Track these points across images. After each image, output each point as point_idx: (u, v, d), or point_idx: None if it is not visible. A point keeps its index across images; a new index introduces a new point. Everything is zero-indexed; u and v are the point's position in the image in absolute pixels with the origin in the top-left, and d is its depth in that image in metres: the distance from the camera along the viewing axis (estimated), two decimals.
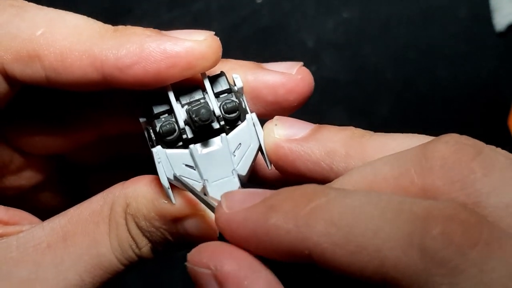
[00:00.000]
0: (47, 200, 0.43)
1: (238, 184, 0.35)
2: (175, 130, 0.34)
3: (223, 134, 0.34)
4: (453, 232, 0.25)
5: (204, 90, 0.35)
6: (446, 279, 0.24)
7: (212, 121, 0.33)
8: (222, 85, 0.35)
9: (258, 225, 0.28)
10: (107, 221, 0.35)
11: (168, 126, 0.34)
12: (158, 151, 0.34)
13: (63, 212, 0.36)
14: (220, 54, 0.34)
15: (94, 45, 0.33)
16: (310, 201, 0.27)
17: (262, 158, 0.36)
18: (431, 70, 0.90)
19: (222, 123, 0.34)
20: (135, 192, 0.35)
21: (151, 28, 0.34)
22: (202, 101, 0.34)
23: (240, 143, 0.35)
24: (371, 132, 0.34)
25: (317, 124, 0.36)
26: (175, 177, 0.34)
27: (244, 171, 0.35)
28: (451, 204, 0.26)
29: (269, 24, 0.91)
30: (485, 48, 0.89)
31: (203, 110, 0.33)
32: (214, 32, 0.34)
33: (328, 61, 0.89)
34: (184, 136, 0.34)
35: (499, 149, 0.29)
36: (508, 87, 0.89)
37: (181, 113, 0.34)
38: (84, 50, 0.33)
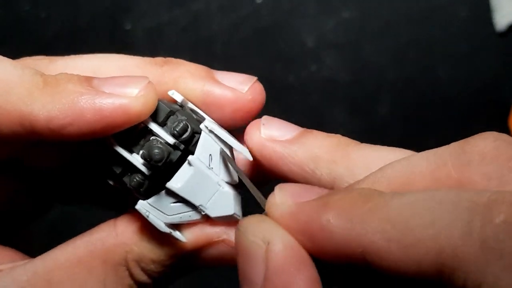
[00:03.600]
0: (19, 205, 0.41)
1: (231, 191, 0.34)
2: (143, 180, 0.33)
3: (190, 156, 0.33)
4: None
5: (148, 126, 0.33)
6: (505, 273, 0.23)
7: (170, 154, 0.32)
8: (163, 112, 0.33)
9: (311, 219, 0.27)
10: (101, 269, 0.34)
11: (136, 179, 0.33)
12: (141, 206, 0.33)
13: (45, 254, 0.35)
14: (156, 102, 0.33)
15: (23, 104, 0.31)
16: (367, 201, 0.27)
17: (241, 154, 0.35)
18: (431, 70, 0.90)
19: (182, 147, 0.33)
20: (134, 238, 0.34)
21: (86, 80, 0.32)
22: (152, 138, 0.33)
23: (210, 154, 0.34)
24: (357, 142, 0.34)
25: (304, 128, 0.35)
26: (169, 223, 0.33)
27: (229, 177, 0.34)
28: None
29: (269, 24, 0.90)
30: (485, 48, 0.89)
31: (155, 151, 0.31)
32: (148, 80, 0.32)
33: (328, 61, 0.89)
34: (156, 180, 0.33)
35: None
36: (508, 87, 0.89)
37: (139, 161, 0.33)
38: (12, 110, 0.31)
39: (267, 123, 0.35)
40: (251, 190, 0.33)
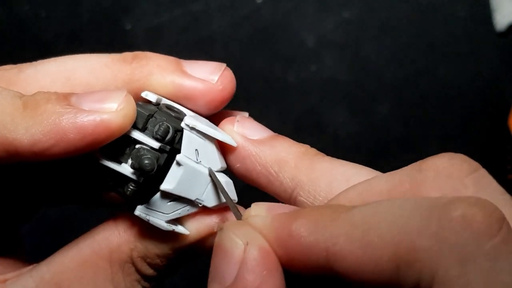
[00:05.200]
0: None
1: (223, 179, 0.35)
2: (137, 188, 0.33)
3: (178, 156, 0.34)
4: (473, 216, 0.24)
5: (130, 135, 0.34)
6: (456, 266, 0.24)
7: (158, 159, 0.33)
8: (141, 117, 0.33)
9: (283, 226, 0.29)
10: (108, 267, 0.34)
11: (130, 188, 0.33)
12: (140, 211, 0.34)
13: (49, 259, 0.35)
14: (136, 113, 0.33)
15: (6, 131, 0.31)
16: (334, 211, 0.28)
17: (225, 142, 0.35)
18: (431, 70, 0.90)
19: (168, 148, 0.33)
20: (137, 235, 0.35)
21: (64, 98, 0.32)
22: (137, 147, 0.33)
23: (196, 149, 0.34)
24: (323, 154, 0.36)
25: (276, 133, 0.37)
26: (170, 220, 0.34)
27: (217, 166, 0.35)
28: (479, 197, 0.26)
29: (269, 24, 0.90)
30: (485, 48, 0.89)
31: (145, 162, 0.32)
32: (125, 92, 0.32)
33: (328, 61, 0.89)
34: (149, 184, 0.34)
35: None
36: (508, 87, 0.89)
37: (129, 171, 0.33)
38: None
39: (241, 121, 0.36)
40: (229, 204, 0.34)
